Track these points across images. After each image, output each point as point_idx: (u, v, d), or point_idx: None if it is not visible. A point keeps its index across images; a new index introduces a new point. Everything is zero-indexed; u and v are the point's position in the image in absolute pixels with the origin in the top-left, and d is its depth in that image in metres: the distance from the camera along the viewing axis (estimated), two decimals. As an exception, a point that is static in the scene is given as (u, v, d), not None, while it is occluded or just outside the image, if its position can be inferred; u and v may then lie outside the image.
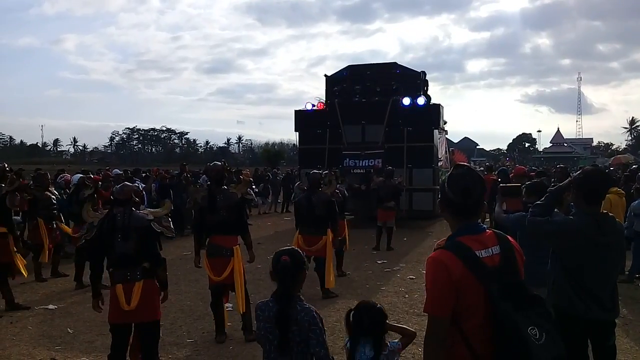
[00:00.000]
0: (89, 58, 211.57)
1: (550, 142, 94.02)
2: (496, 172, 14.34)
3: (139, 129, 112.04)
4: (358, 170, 15.18)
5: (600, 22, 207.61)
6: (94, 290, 4.37)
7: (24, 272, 7.43)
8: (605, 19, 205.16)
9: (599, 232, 3.34)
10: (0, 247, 6.86)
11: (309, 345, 2.79)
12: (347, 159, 15.44)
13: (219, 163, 6.29)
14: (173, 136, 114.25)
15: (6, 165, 7.28)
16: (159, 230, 4.32)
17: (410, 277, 8.81)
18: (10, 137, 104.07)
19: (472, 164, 22.83)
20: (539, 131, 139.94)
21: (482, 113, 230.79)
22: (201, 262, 5.96)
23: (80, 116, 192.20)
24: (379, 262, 10.16)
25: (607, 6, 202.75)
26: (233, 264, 5.72)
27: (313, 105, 16.49)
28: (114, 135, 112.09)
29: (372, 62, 18.40)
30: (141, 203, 4.58)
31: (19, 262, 7.16)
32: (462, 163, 2.56)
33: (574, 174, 3.94)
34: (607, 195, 7.48)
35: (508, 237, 2.36)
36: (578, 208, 3.50)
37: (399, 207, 12.39)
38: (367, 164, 15.27)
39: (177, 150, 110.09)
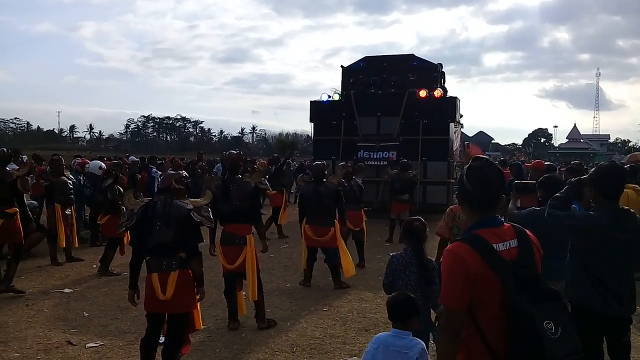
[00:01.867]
0: (106, 45, 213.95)
1: (567, 138, 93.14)
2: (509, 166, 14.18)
3: (154, 117, 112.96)
4: (372, 162, 15.13)
5: (621, 17, 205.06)
6: (132, 280, 4.35)
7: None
8: (626, 14, 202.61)
9: (620, 228, 3.31)
10: (12, 228, 6.97)
11: (432, 283, 3.91)
12: (362, 151, 15.38)
13: (234, 152, 6.31)
14: (188, 125, 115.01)
15: (6, 149, 7.36)
16: (198, 220, 4.31)
17: (423, 269, 8.78)
18: (28, 123, 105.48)
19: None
20: (556, 126, 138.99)
21: (498, 107, 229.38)
22: (215, 250, 6.00)
23: (96, 103, 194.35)
24: (391, 254, 10.10)
25: (628, 1, 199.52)
26: (246, 253, 5.76)
27: (329, 96, 16.43)
28: (130, 123, 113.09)
29: (388, 54, 18.31)
30: (186, 191, 4.54)
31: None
32: (480, 155, 2.53)
33: (590, 171, 3.91)
34: (624, 189, 7.42)
35: (526, 230, 2.34)
36: (597, 204, 3.47)
37: (413, 199, 12.33)
38: (381, 156, 15.21)
39: (192, 139, 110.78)
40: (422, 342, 3.20)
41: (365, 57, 17.10)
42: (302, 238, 7.76)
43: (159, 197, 4.34)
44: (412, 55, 16.97)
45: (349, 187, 9.13)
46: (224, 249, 5.83)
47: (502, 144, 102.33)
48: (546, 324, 2.06)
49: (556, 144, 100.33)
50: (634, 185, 7.61)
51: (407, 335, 3.16)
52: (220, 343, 5.44)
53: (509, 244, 2.24)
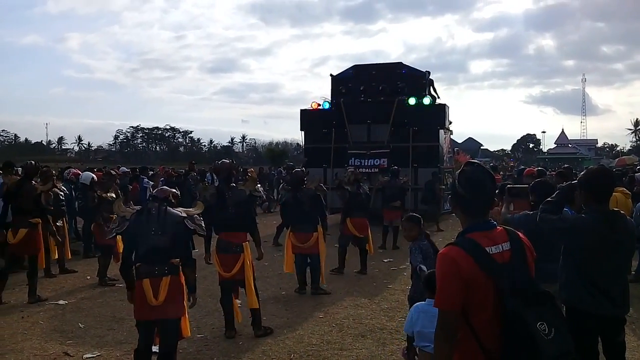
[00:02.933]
0: (92, 57, 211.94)
1: (555, 143, 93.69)
2: (516, 170, 14.25)
3: (143, 128, 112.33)
4: (364, 170, 15.18)
5: (604, 23, 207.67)
6: (129, 283, 4.35)
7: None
8: (609, 20, 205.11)
9: (611, 230, 3.39)
10: (34, 238, 7.23)
11: None
12: (353, 159, 15.44)
13: (227, 161, 6.36)
14: (177, 135, 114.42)
15: (33, 162, 7.90)
16: (192, 228, 4.36)
17: (417, 275, 8.85)
18: (15, 135, 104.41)
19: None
20: (544, 132, 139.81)
21: (486, 114, 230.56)
22: (211, 259, 6.02)
23: (84, 115, 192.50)
24: (385, 260, 10.21)
25: (611, 7, 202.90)
26: (243, 260, 5.79)
27: (319, 105, 16.52)
28: (118, 134, 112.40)
29: (377, 62, 18.45)
30: (177, 205, 4.60)
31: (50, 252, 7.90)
32: (472, 160, 2.59)
33: (580, 175, 3.99)
34: (613, 193, 7.56)
35: (519, 233, 2.39)
36: (588, 207, 3.54)
37: (405, 206, 12.40)
38: (372, 164, 15.29)
39: (181, 149, 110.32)
40: None
41: (354, 65, 17.23)
42: (286, 245, 7.81)
43: (153, 205, 4.37)
44: (401, 63, 17.12)
45: (356, 193, 9.19)
46: (221, 257, 5.85)
47: (491, 149, 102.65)
48: (540, 325, 2.09)
49: (545, 149, 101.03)
50: (621, 189, 7.76)
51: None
52: (217, 352, 5.45)
53: (502, 247, 2.27)
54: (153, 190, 13.06)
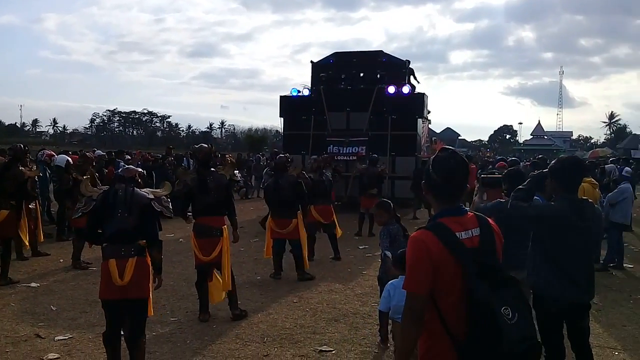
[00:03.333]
0: (69, 38, 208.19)
1: (531, 134, 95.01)
2: (493, 161, 14.41)
3: (120, 112, 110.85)
4: (342, 157, 15.25)
5: (583, 16, 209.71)
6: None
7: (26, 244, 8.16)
8: (588, 13, 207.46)
9: (579, 218, 3.47)
10: (10, 221, 7.29)
11: None
12: (331, 146, 15.49)
13: (206, 145, 6.35)
14: (155, 119, 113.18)
15: (22, 145, 8.01)
16: (159, 210, 4.33)
17: (392, 262, 8.95)
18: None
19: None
20: (520, 123, 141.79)
21: (464, 104, 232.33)
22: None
23: (60, 97, 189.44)
24: (360, 247, 10.29)
25: (590, 1, 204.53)
26: (222, 244, 5.83)
27: (298, 92, 16.49)
28: (95, 117, 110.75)
29: (358, 50, 18.47)
30: (143, 186, 4.57)
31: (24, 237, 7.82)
32: (446, 147, 2.60)
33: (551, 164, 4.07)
34: (581, 184, 7.72)
35: (489, 220, 2.43)
36: (557, 195, 3.62)
37: (382, 194, 12.50)
38: (351, 151, 15.35)
39: (159, 133, 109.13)
40: None
41: (335, 52, 17.24)
42: (267, 230, 7.85)
43: (119, 186, 4.34)
44: (381, 51, 17.16)
45: (319, 181, 9.21)
46: (200, 242, 5.86)
47: (469, 140, 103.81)
48: (504, 309, 2.12)
49: (521, 140, 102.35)
50: (590, 179, 7.94)
51: None
52: (190, 334, 5.47)
53: (472, 232, 2.31)
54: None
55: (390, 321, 4.29)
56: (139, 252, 4.22)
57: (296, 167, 8.43)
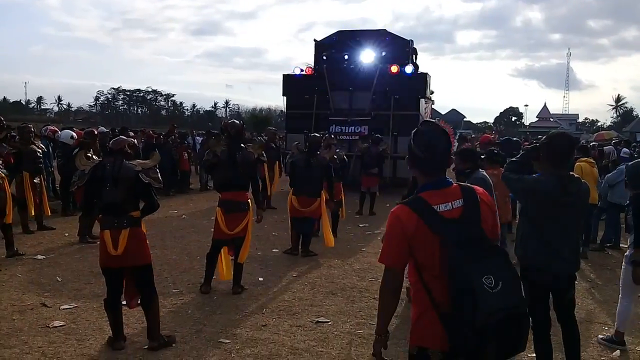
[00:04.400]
0: (73, 14, 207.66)
1: (537, 117, 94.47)
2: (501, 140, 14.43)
3: (125, 90, 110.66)
4: (344, 137, 15.31)
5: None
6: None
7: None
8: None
9: (564, 193, 3.57)
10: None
11: None
12: (334, 125, 15.55)
13: (238, 122, 6.48)
14: (159, 98, 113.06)
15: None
16: (147, 181, 4.42)
17: (391, 239, 9.09)
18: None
19: (457, 136, 23.14)
20: (526, 105, 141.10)
21: (471, 86, 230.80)
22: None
23: (64, 74, 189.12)
24: (360, 225, 10.43)
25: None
26: (248, 217, 6.03)
27: (302, 70, 16.48)
28: (99, 95, 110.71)
29: (362, 29, 18.42)
30: (135, 157, 4.69)
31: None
32: (428, 120, 2.59)
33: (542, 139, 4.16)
34: (579, 163, 7.80)
35: (476, 189, 2.42)
36: (546, 170, 3.72)
37: (383, 173, 12.61)
38: (353, 131, 15.42)
39: (163, 112, 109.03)
40: None
41: (339, 31, 17.18)
42: (288, 208, 7.91)
43: (108, 159, 4.46)
44: (385, 30, 17.12)
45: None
46: (227, 217, 5.98)
47: (474, 122, 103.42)
48: (485, 278, 2.12)
49: (527, 123, 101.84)
50: (586, 159, 8.03)
51: None
52: (192, 305, 5.63)
53: (452, 204, 2.31)
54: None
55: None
56: (131, 223, 4.38)
57: (330, 150, 8.55)
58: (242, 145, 6.17)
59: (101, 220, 4.44)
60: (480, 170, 5.36)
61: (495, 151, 7.64)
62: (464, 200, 2.35)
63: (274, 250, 8.16)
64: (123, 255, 4.32)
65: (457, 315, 2.15)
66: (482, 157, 7.14)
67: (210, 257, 6.11)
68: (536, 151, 3.88)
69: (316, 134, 8.79)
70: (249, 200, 6.11)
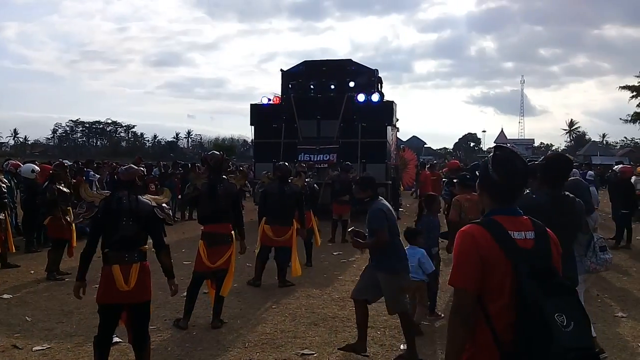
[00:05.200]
0: (30, 47, 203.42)
1: (494, 142, 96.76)
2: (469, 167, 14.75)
3: (83, 122, 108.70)
4: (313, 165, 15.30)
5: (542, 27, 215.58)
6: (81, 272, 4.27)
7: None
8: (547, 24, 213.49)
9: (558, 213, 3.64)
10: None
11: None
12: (302, 154, 15.56)
13: (218, 153, 6.40)
14: (119, 129, 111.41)
15: None
16: (162, 217, 4.40)
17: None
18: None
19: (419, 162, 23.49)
20: (484, 131, 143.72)
21: (429, 113, 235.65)
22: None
23: (21, 107, 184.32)
24: (334, 253, 10.39)
25: (549, 11, 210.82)
26: (231, 250, 5.95)
27: (269, 100, 16.53)
28: (57, 128, 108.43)
29: (327, 59, 18.67)
30: (144, 188, 4.63)
31: None
32: (502, 145, 2.51)
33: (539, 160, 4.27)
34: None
35: (546, 228, 2.33)
36: (541, 190, 3.79)
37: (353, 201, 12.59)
38: (322, 159, 15.46)
39: (124, 144, 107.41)
40: (423, 250, 5.87)
41: (305, 61, 17.35)
42: (259, 237, 7.83)
43: (122, 192, 4.34)
44: (350, 60, 17.37)
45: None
46: (210, 250, 5.89)
47: (434, 148, 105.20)
48: (557, 316, 1.99)
49: (485, 148, 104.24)
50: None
51: (415, 248, 5.83)
52: (171, 342, 5.46)
53: (525, 234, 2.20)
54: (98, 183, 12.86)
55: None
56: (141, 258, 4.31)
57: (300, 177, 8.55)
58: (223, 176, 6.10)
59: (107, 255, 4.27)
60: (380, 198, 5.15)
61: (468, 176, 7.76)
62: (536, 232, 2.25)
63: (248, 280, 8.02)
64: (132, 290, 4.19)
65: (525, 354, 2.02)
66: (454, 181, 7.25)
67: (190, 291, 5.96)
68: (533, 172, 3.96)
69: (284, 163, 8.83)
70: (232, 233, 6.02)
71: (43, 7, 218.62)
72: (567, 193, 3.85)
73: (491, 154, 2.36)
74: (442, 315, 6.23)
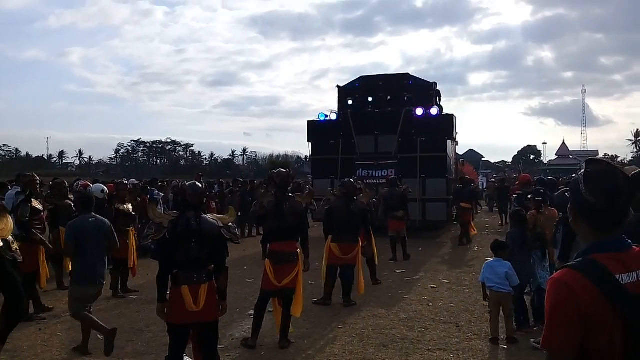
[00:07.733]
0: (93, 71, 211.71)
1: (556, 154, 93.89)
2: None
3: (144, 142, 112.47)
4: (372, 181, 15.17)
5: (603, 34, 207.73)
6: (161, 294, 4.31)
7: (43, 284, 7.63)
8: (608, 32, 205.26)
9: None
10: (29, 256, 6.97)
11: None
12: (360, 169, 15.47)
13: (284, 170, 6.40)
14: (178, 148, 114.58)
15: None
16: (228, 237, 4.41)
17: (432, 285, 8.83)
18: (17, 149, 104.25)
19: (480, 176, 22.93)
20: (544, 143, 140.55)
21: (486, 125, 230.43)
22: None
23: (85, 129, 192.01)
24: (397, 271, 10.16)
25: (609, 19, 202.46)
26: (298, 268, 5.90)
27: (326, 116, 16.57)
28: (119, 148, 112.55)
29: (383, 74, 18.58)
30: (208, 206, 4.66)
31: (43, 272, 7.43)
32: (596, 158, 1.94)
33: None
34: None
35: None
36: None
37: (408, 215, 12.14)
38: (380, 174, 15.30)
39: (182, 162, 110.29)
40: (509, 264, 5.82)
41: (361, 76, 17.34)
42: (325, 256, 7.72)
43: (190, 213, 4.35)
44: (407, 74, 17.23)
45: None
46: (276, 268, 5.85)
47: (492, 161, 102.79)
48: None
49: (545, 161, 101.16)
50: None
51: (500, 261, 5.90)
52: (240, 362, 5.41)
53: (638, 274, 1.73)
54: (163, 202, 13.15)
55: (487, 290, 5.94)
56: (209, 278, 4.32)
57: (367, 194, 8.50)
58: (289, 194, 6.05)
59: (176, 276, 4.28)
60: None
61: (542, 190, 7.45)
62: None
63: (314, 299, 7.91)
64: (201, 310, 4.20)
65: None
66: (529, 197, 6.96)
67: (258, 310, 5.91)
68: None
69: (350, 179, 8.66)
70: (298, 251, 5.96)
71: (105, 32, 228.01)
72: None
73: (582, 170, 1.87)
74: (536, 328, 6.10)
